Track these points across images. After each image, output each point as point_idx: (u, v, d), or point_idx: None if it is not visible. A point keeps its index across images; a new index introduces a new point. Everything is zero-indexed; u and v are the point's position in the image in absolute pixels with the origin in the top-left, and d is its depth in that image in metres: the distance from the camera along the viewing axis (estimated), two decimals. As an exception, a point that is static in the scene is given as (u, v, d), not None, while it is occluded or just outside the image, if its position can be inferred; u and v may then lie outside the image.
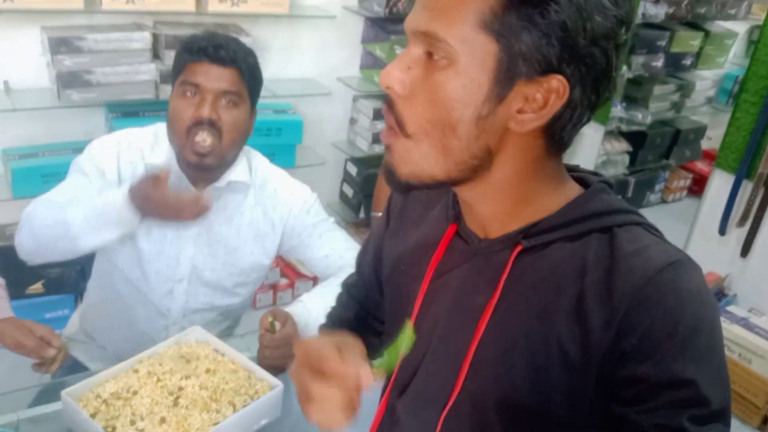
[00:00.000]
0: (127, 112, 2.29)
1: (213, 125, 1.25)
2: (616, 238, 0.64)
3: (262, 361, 1.20)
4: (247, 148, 1.42)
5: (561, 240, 0.67)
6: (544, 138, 0.64)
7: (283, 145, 2.52)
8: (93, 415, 1.03)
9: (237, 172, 1.37)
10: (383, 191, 2.01)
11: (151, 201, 1.18)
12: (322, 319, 1.32)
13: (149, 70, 2.18)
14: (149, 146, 1.35)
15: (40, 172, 2.12)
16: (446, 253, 0.75)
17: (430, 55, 0.61)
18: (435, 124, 0.62)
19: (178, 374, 1.12)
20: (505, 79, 0.60)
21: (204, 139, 1.25)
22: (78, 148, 2.27)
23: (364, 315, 0.98)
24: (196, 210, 1.20)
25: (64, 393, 1.04)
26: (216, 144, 1.26)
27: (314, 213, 1.46)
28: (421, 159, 0.64)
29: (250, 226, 1.42)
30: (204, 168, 1.30)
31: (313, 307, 1.33)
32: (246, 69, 1.29)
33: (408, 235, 0.82)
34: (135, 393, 1.08)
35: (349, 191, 2.86)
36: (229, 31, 2.31)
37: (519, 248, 0.68)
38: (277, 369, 1.21)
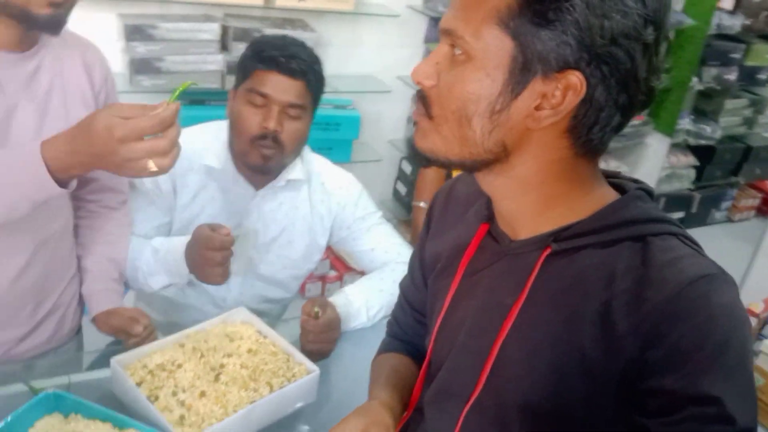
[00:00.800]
0: (194, 100, 2.37)
1: (276, 138, 1.28)
2: (649, 247, 0.64)
3: (304, 346, 1.23)
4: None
5: (592, 246, 0.66)
6: (569, 138, 0.65)
7: (341, 140, 2.56)
8: (139, 384, 1.08)
9: (295, 171, 1.40)
10: (425, 182, 2.04)
11: (201, 264, 1.22)
12: (363, 312, 1.35)
13: (216, 61, 2.26)
14: (201, 148, 1.37)
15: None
16: (478, 253, 0.76)
17: (453, 50, 0.65)
18: (453, 113, 0.65)
19: (221, 352, 1.16)
20: (520, 75, 0.62)
21: (268, 149, 1.28)
22: (146, 132, 2.38)
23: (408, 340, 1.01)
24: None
25: (113, 360, 1.10)
26: (278, 154, 1.30)
27: (362, 206, 1.49)
28: (438, 140, 0.68)
29: (303, 219, 1.45)
30: (265, 172, 1.35)
31: (354, 299, 1.36)
32: (313, 80, 1.30)
33: (446, 236, 0.84)
34: (179, 366, 1.13)
35: (402, 189, 2.88)
36: (295, 26, 2.36)
37: (548, 251, 0.68)
38: (317, 354, 1.23)
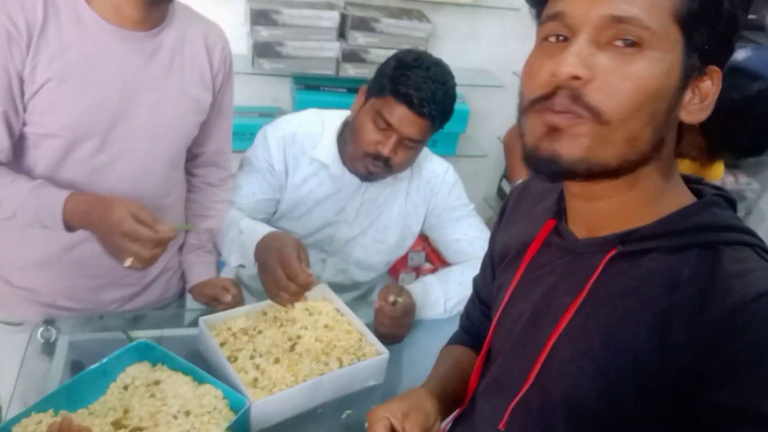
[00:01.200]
0: (310, 85, 2.47)
1: (387, 161, 1.31)
2: (719, 256, 0.60)
3: (377, 328, 1.26)
4: None
5: (658, 250, 0.63)
6: (704, 137, 0.65)
7: (446, 133, 2.55)
8: (222, 344, 1.16)
9: None
10: (517, 159, 1.97)
11: (269, 273, 1.16)
12: (440, 303, 1.36)
13: (333, 48, 2.33)
14: (314, 141, 1.42)
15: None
16: (543, 248, 0.75)
17: (613, 41, 0.60)
18: (638, 111, 0.60)
19: (299, 324, 1.22)
20: (687, 69, 0.61)
21: (376, 167, 1.32)
22: (264, 113, 2.51)
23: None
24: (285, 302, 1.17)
25: (201, 320, 1.18)
26: (383, 174, 1.35)
27: (455, 196, 1.49)
28: (606, 146, 0.61)
29: (400, 206, 1.49)
30: (369, 181, 1.39)
31: (433, 289, 1.37)
32: (440, 121, 1.31)
33: (515, 230, 0.84)
34: (260, 332, 1.19)
35: (507, 187, 2.83)
36: (412, 16, 2.38)
37: (613, 252, 0.66)
38: (389, 338, 1.26)
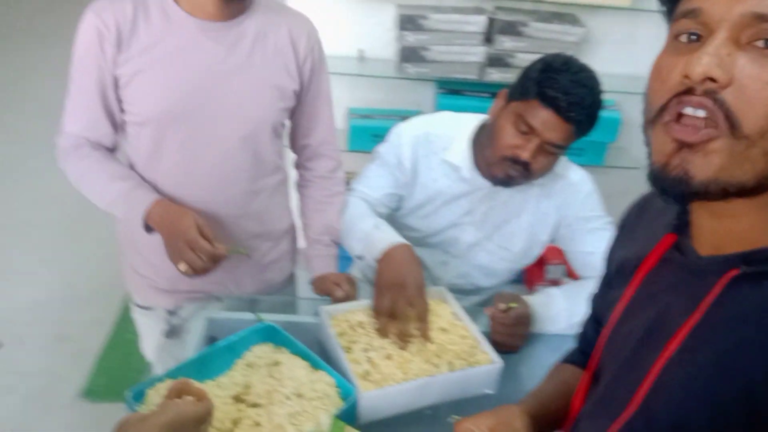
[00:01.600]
0: (453, 89, 2.48)
1: (527, 166, 1.28)
2: None
3: (493, 336, 1.23)
4: None
5: None
6: None
7: (594, 142, 2.44)
8: (339, 334, 1.20)
9: None
10: None
11: (393, 285, 1.20)
12: (563, 318, 1.30)
13: (478, 53, 2.32)
14: (446, 142, 1.42)
15: (371, 132, 2.44)
16: (660, 265, 0.70)
17: (753, 42, 0.55)
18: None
19: (416, 324, 1.22)
20: None
21: (515, 171, 1.29)
22: (406, 116, 2.56)
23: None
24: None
25: (322, 309, 1.23)
26: (522, 178, 1.31)
27: (589, 206, 1.42)
28: (743, 163, 0.55)
29: (528, 213, 1.45)
30: (507, 186, 1.36)
31: (556, 303, 1.31)
32: (586, 127, 1.26)
33: (633, 245, 0.79)
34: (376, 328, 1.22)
35: (659, 203, 2.63)
36: (564, 20, 2.30)
37: (735, 273, 0.59)
38: (504, 347, 1.23)
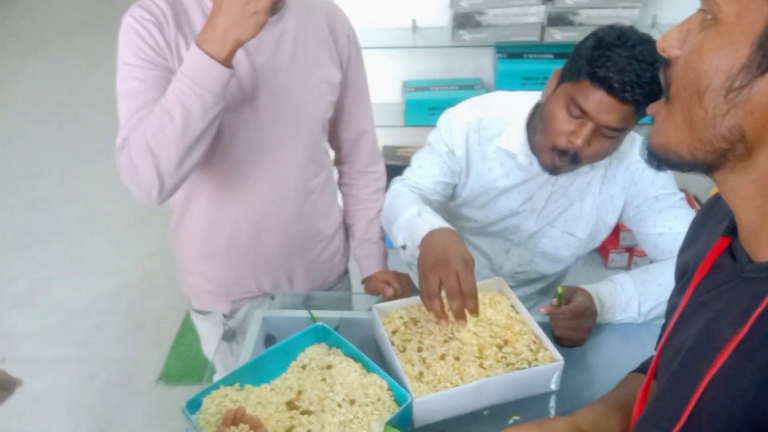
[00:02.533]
0: (512, 53, 2.35)
1: (576, 155, 1.18)
2: None
3: (553, 330, 1.16)
4: None
5: None
6: None
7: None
8: (393, 332, 1.16)
9: None
10: None
11: (437, 264, 1.08)
12: (633, 306, 1.21)
13: (538, 13, 2.19)
14: (500, 128, 1.33)
15: (428, 105, 2.36)
16: (714, 270, 0.65)
17: (705, 15, 0.55)
18: (685, 88, 0.55)
19: (472, 319, 1.17)
20: None
21: (561, 163, 1.21)
22: (464, 85, 2.47)
23: None
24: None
25: (374, 306, 1.19)
26: (569, 168, 1.23)
27: (660, 184, 1.30)
28: (671, 129, 0.58)
29: (594, 196, 1.35)
30: (554, 174, 1.28)
31: (625, 290, 1.22)
32: (645, 104, 1.12)
33: (695, 247, 0.73)
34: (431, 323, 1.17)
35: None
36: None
37: None
38: (567, 341, 1.16)
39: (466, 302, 1.05)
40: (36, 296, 2.75)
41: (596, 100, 1.12)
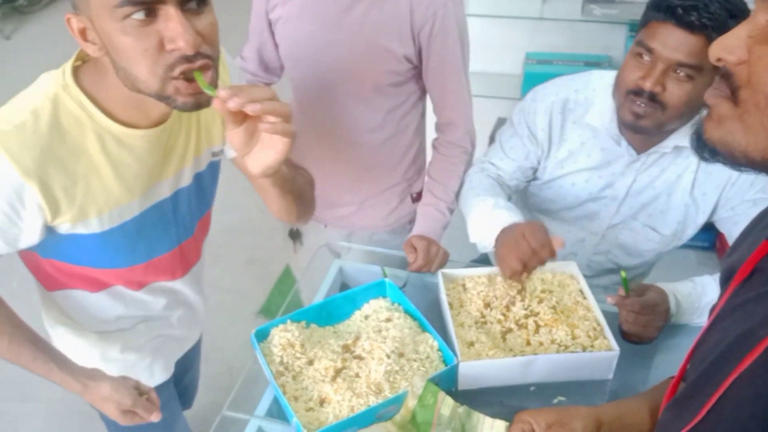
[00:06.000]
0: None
1: (654, 99, 1.11)
2: None
3: (621, 323, 1.13)
4: None
5: None
6: None
7: None
8: (453, 300, 1.20)
9: (686, 137, 1.20)
10: None
11: (515, 244, 1.13)
12: (706, 306, 1.15)
13: (678, -10, 2.04)
14: (587, 106, 1.28)
15: (549, 78, 2.29)
16: (755, 274, 0.64)
17: None
18: (766, 96, 0.54)
19: (533, 297, 1.18)
20: None
21: (640, 106, 1.13)
22: (590, 61, 2.37)
23: None
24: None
25: (440, 272, 1.24)
26: (654, 114, 1.13)
27: (759, 187, 1.20)
28: (739, 130, 0.57)
29: (683, 191, 1.27)
30: (639, 131, 1.18)
31: (706, 292, 1.16)
32: (720, 33, 1.05)
33: (739, 249, 0.71)
34: (493, 297, 1.19)
35: None
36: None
37: None
38: (635, 337, 1.12)
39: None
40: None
41: (663, 35, 1.07)
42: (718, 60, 0.57)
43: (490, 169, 1.40)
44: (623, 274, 1.12)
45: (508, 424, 0.93)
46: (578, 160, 1.31)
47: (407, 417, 1.01)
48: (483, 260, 1.62)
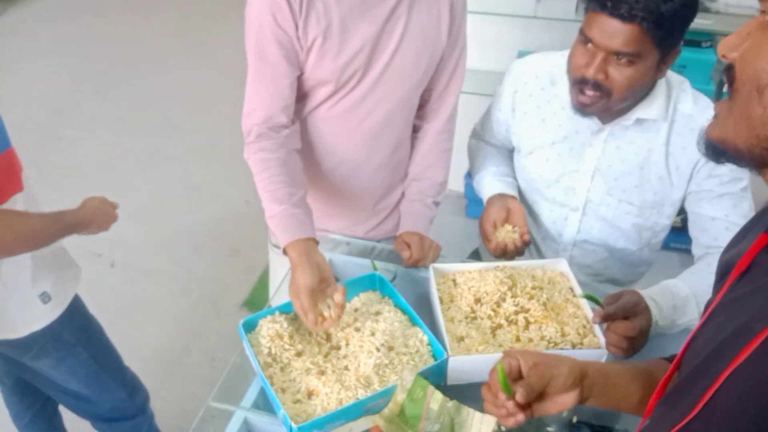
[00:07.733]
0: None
1: (598, 86, 1.15)
2: None
3: (608, 347, 1.08)
4: (677, 80, 1.26)
5: None
6: None
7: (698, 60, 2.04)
8: (443, 294, 1.19)
9: (648, 110, 1.24)
10: None
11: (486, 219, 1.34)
12: (692, 305, 1.16)
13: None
14: (555, 78, 1.32)
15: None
16: (752, 268, 0.65)
17: (765, 17, 0.55)
18: (744, 83, 0.58)
19: (525, 293, 1.17)
20: None
21: (585, 95, 1.18)
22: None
23: None
24: None
25: (431, 266, 1.22)
26: (600, 101, 1.18)
27: (729, 167, 1.21)
28: (730, 123, 0.60)
29: (655, 165, 1.29)
30: (587, 116, 1.25)
31: (678, 288, 1.16)
32: (654, 22, 1.08)
33: (738, 243, 0.71)
34: (484, 292, 1.18)
35: None
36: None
37: None
38: (621, 353, 1.08)
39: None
40: (148, 212, 3.01)
41: (599, 26, 1.11)
42: (723, 57, 0.59)
43: (480, 139, 1.51)
44: (584, 294, 1.14)
45: (497, 419, 0.92)
46: (549, 131, 1.35)
47: (396, 411, 1.00)
48: (474, 256, 1.63)
